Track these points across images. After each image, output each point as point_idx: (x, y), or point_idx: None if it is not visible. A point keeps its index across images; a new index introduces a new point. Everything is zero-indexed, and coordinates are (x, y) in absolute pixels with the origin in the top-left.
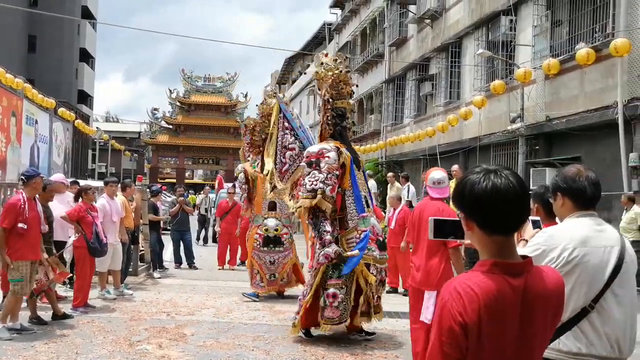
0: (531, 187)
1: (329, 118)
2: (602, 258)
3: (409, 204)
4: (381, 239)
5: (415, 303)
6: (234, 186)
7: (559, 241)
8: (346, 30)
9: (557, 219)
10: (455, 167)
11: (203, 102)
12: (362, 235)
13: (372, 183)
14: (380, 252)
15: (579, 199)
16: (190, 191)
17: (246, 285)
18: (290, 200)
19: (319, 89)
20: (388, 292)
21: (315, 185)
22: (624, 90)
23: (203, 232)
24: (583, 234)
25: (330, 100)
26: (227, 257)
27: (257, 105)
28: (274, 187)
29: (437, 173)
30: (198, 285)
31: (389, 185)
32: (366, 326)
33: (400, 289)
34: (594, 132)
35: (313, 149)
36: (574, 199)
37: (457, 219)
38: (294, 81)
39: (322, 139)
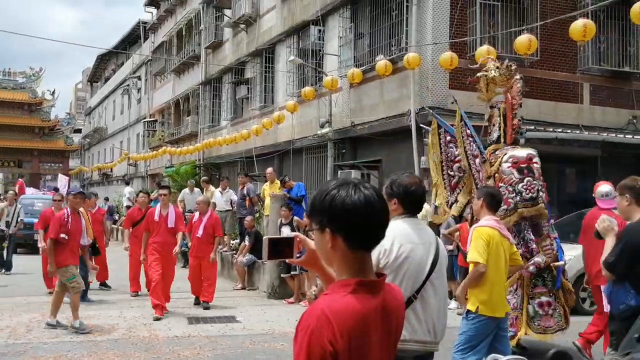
0: None
1: (516, 125)
2: (424, 253)
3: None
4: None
5: (597, 297)
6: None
7: (388, 237)
8: (162, 30)
9: None
10: (269, 169)
11: (1, 99)
12: (555, 243)
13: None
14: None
15: (412, 206)
16: None
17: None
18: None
19: (487, 90)
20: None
21: (534, 193)
22: (415, 99)
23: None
24: (408, 231)
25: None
26: None
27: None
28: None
29: (604, 187)
30: None
31: (204, 190)
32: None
33: None
34: (391, 137)
35: (520, 153)
36: (407, 205)
37: (290, 237)
38: (107, 79)
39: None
